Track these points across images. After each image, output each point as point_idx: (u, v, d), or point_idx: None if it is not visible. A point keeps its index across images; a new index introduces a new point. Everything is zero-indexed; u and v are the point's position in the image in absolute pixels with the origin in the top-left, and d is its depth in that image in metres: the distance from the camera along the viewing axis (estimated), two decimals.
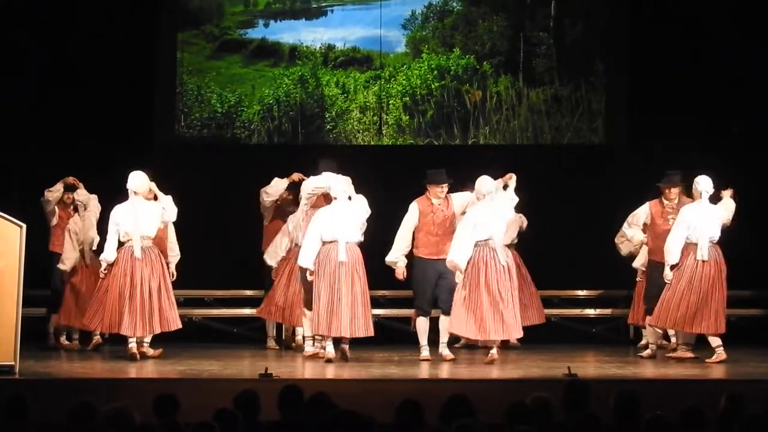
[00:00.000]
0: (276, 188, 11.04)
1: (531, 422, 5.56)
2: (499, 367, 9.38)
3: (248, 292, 12.12)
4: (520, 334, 9.73)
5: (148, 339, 9.91)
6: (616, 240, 10.70)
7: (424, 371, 9.36)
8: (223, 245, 12.22)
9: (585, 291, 12.43)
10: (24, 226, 8.49)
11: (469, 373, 9.34)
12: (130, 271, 9.69)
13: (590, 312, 12.28)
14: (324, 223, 9.66)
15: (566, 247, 11.89)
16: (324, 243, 9.62)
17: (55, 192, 10.94)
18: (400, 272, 9.81)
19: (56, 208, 11.02)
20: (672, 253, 9.76)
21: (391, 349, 10.16)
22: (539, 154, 12.79)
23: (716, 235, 9.80)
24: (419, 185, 10.00)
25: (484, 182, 9.63)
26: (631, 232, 10.42)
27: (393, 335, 11.20)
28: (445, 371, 9.29)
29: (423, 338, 9.88)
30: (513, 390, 7.63)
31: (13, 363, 8.38)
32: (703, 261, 9.67)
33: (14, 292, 8.40)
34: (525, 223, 11.23)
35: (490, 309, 9.32)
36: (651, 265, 10.33)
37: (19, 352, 8.44)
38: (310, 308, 9.83)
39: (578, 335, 12.11)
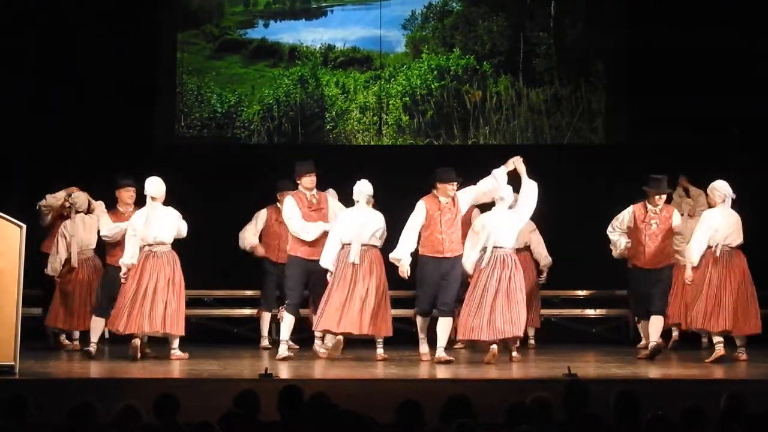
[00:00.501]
0: (247, 241, 11.21)
1: (531, 422, 5.55)
2: (499, 367, 9.38)
3: (248, 292, 12.12)
4: (516, 334, 9.57)
5: (176, 344, 9.91)
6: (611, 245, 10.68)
7: (424, 371, 9.35)
8: (223, 245, 12.19)
9: (585, 291, 12.43)
10: (24, 226, 8.49)
11: (469, 373, 9.34)
12: (139, 274, 9.75)
13: (590, 312, 12.29)
14: (341, 225, 9.86)
15: (566, 247, 11.86)
16: (343, 245, 9.79)
17: (59, 199, 10.91)
18: (404, 270, 9.75)
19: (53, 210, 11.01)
20: (693, 255, 9.75)
21: (391, 349, 10.15)
22: (539, 154, 12.74)
23: (733, 239, 9.78)
24: (419, 185, 9.98)
25: (495, 186, 9.74)
26: (615, 237, 10.32)
27: (393, 335, 11.18)
28: (445, 371, 9.28)
29: (423, 336, 9.89)
30: (513, 390, 7.63)
31: (13, 363, 8.38)
32: (717, 260, 9.68)
33: (14, 292, 8.40)
34: (548, 261, 11.25)
35: (482, 310, 9.38)
36: (631, 270, 10.30)
37: (19, 352, 8.44)
38: (289, 311, 10.07)
39: (578, 335, 12.11)
